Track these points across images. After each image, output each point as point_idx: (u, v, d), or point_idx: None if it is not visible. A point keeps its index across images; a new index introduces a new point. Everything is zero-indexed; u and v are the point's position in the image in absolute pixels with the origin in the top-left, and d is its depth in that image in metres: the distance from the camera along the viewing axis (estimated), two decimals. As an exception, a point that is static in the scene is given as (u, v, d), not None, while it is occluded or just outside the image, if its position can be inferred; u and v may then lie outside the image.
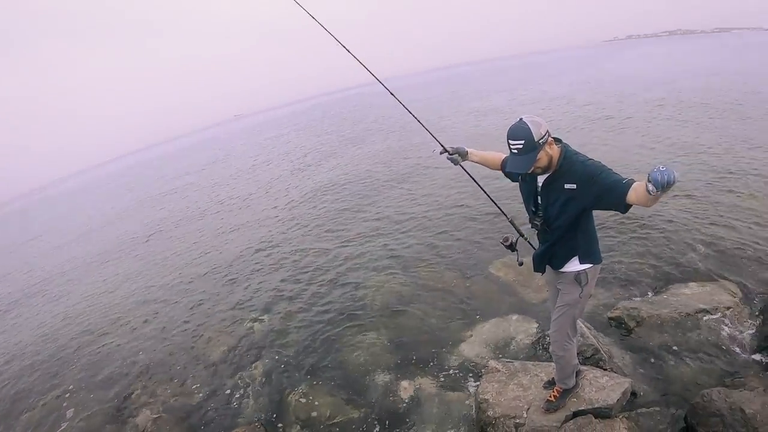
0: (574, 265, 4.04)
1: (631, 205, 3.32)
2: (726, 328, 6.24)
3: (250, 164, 34.89)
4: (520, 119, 3.49)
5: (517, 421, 4.84)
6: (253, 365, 7.95)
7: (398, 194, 16.38)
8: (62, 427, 7.77)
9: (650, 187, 2.85)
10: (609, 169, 3.50)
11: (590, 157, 3.64)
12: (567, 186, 3.60)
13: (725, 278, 7.36)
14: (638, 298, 7.34)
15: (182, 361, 8.72)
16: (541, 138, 3.45)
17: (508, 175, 4.33)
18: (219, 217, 19.88)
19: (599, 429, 4.38)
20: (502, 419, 4.96)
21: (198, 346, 9.10)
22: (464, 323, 7.79)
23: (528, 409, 4.95)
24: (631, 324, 6.62)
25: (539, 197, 3.90)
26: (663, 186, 2.79)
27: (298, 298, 9.92)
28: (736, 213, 9.41)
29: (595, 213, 3.89)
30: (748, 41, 72.24)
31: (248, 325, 9.34)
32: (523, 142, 3.43)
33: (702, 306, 6.61)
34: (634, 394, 5.28)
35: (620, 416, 4.78)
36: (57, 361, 10.30)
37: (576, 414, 4.73)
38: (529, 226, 4.17)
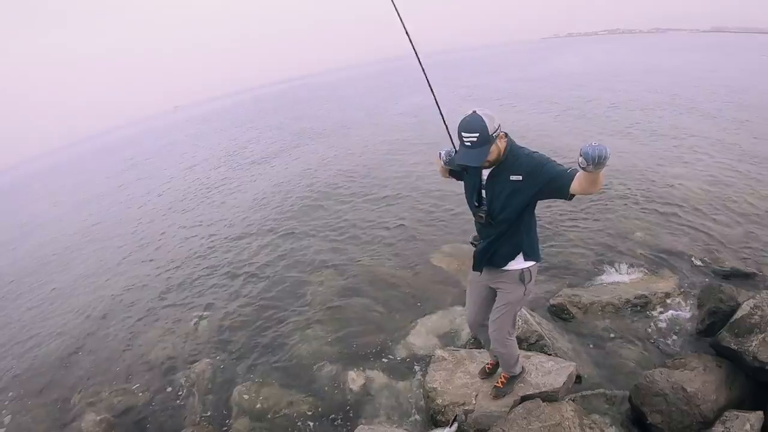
0: (518, 263, 3.99)
1: (575, 194, 3.36)
2: (665, 313, 6.46)
3: (183, 160, 34.15)
4: (474, 112, 3.41)
5: (467, 407, 4.85)
6: (198, 363, 7.74)
7: (337, 190, 16.24)
8: None
9: (581, 160, 2.86)
10: (553, 160, 3.53)
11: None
12: (513, 178, 3.57)
13: (663, 264, 7.62)
14: (579, 286, 7.49)
15: (125, 361, 8.43)
16: (495, 131, 3.41)
17: (452, 172, 4.18)
18: (156, 217, 19.35)
19: (547, 412, 4.42)
20: (451, 406, 4.96)
21: (140, 345, 8.81)
22: (409, 314, 7.79)
23: (476, 395, 4.96)
24: (573, 310, 6.75)
25: (483, 191, 3.83)
26: (594, 159, 2.79)
27: (240, 294, 9.73)
28: (671, 201, 9.77)
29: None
30: (684, 42, 74.74)
31: (191, 322, 9.11)
32: (477, 135, 3.36)
33: (641, 292, 6.81)
34: (579, 377, 5.37)
35: (567, 399, 4.84)
36: None
37: (524, 398, 4.76)
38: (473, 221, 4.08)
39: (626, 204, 10.00)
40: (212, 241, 13.69)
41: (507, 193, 3.64)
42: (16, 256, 19.79)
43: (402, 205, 12.90)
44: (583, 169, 2.91)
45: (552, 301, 7.08)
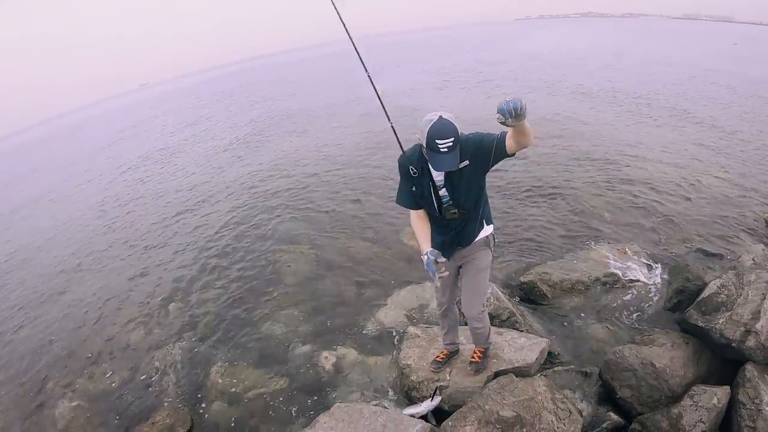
0: (483, 232, 4.13)
1: (515, 151, 3.46)
2: (633, 290, 6.60)
3: (151, 138, 33.64)
4: (440, 117, 3.41)
5: (441, 383, 4.91)
6: (171, 346, 7.65)
7: (304, 167, 16.19)
8: None
9: (498, 116, 2.94)
10: (485, 132, 3.63)
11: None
12: (461, 165, 3.61)
13: (631, 243, 7.75)
14: (549, 263, 7.56)
15: (96, 347, 8.28)
16: (460, 131, 3.47)
17: (402, 199, 4.10)
18: (120, 199, 19.02)
19: (520, 387, 4.49)
20: (425, 383, 5.02)
21: (111, 330, 8.65)
22: (379, 291, 7.83)
23: (450, 371, 5.03)
24: (544, 288, 6.84)
25: (443, 189, 3.84)
26: (510, 113, 2.89)
27: (210, 277, 9.63)
28: (639, 181, 9.93)
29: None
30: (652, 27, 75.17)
31: (162, 305, 8.97)
32: (452, 139, 3.37)
33: (610, 270, 6.95)
34: (551, 353, 5.48)
35: (539, 374, 4.93)
36: None
37: (497, 374, 4.84)
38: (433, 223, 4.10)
39: (595, 183, 10.14)
40: (179, 223, 13.52)
41: (465, 181, 3.74)
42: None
43: (371, 182, 12.90)
44: (504, 124, 3.00)
45: (523, 279, 7.15)
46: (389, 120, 4.00)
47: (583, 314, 6.32)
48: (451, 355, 5.15)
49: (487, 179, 3.81)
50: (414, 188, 3.89)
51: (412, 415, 4.73)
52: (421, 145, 3.58)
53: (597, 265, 7.15)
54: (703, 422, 4.01)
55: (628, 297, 6.48)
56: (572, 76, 24.97)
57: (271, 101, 37.59)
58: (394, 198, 4.10)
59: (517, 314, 5.97)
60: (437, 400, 4.77)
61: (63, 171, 28.95)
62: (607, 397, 4.95)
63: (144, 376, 7.11)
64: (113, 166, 25.61)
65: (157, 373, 7.08)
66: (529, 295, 6.92)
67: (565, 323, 6.23)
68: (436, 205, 3.88)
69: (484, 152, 3.56)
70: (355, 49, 4.08)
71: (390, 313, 7.12)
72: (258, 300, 8.25)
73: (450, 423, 4.31)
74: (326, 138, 20.10)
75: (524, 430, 4.07)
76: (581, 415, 4.36)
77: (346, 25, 4.24)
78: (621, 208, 8.92)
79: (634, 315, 6.15)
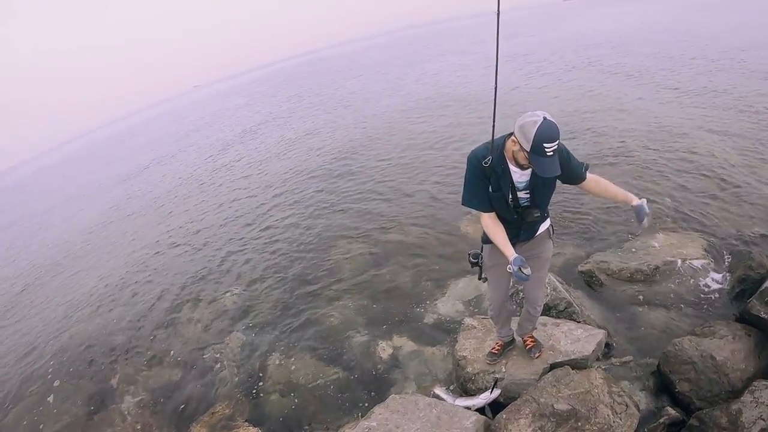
0: (545, 223, 4.12)
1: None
2: (694, 279, 6.41)
3: (208, 137, 34.47)
4: (544, 118, 3.18)
5: (497, 375, 4.93)
6: (229, 338, 7.92)
7: (361, 160, 16.31)
8: (47, 421, 7.60)
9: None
10: (570, 150, 3.66)
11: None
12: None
13: (693, 229, 7.54)
14: (608, 251, 7.44)
15: (158, 340, 8.64)
16: None
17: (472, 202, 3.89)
18: (182, 196, 19.51)
19: (576, 379, 4.47)
20: (481, 374, 5.04)
21: (172, 324, 9.02)
22: (437, 282, 7.86)
23: (506, 363, 5.04)
24: (602, 277, 6.76)
25: (524, 194, 3.73)
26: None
27: (268, 269, 9.87)
28: (700, 166, 9.58)
29: None
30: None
31: (221, 298, 9.28)
32: (558, 142, 3.21)
33: (670, 258, 6.76)
34: (608, 345, 5.43)
35: (596, 366, 4.88)
36: (33, 353, 10.14)
37: (553, 366, 4.83)
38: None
39: (655, 168, 9.85)
40: (238, 216, 13.91)
41: (549, 189, 3.75)
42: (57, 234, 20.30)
43: (428, 171, 12.91)
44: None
45: (580, 268, 7.08)
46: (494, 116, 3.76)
47: (642, 304, 6.20)
48: (506, 345, 5.16)
49: None
50: (491, 190, 3.70)
51: (467, 407, 4.76)
52: (516, 146, 3.39)
53: (656, 254, 6.99)
54: (763, 419, 3.86)
55: (688, 286, 6.31)
56: (631, 57, 24.24)
57: (322, 94, 37.95)
58: (456, 185, 4.01)
59: (574, 304, 5.91)
60: (496, 393, 4.77)
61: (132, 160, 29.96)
62: (665, 390, 4.84)
63: (203, 368, 7.37)
64: (178, 162, 26.35)
65: (216, 365, 7.33)
66: (587, 285, 6.84)
67: (624, 313, 6.13)
68: (513, 207, 3.75)
69: (566, 168, 3.53)
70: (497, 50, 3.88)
71: (447, 304, 7.15)
72: (315, 290, 8.42)
73: (504, 416, 4.32)
74: (383, 126, 20.13)
75: (579, 423, 4.05)
76: (638, 409, 4.31)
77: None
78: (681, 193, 8.65)
79: (695, 305, 5.99)
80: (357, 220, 10.94)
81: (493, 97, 3.60)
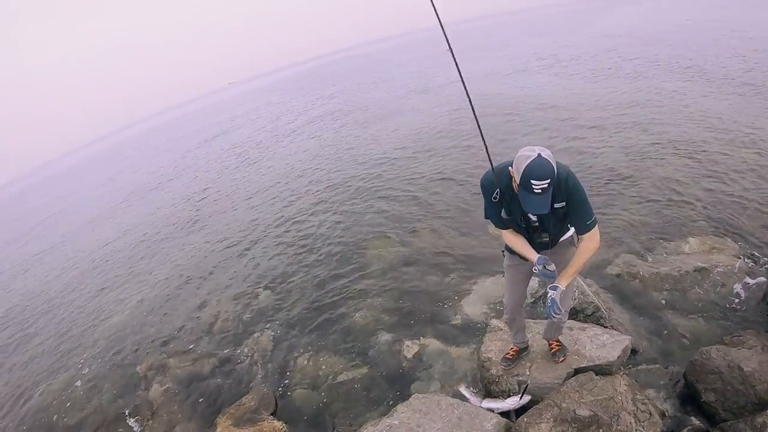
0: (569, 231, 4.08)
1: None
2: (725, 286, 6.30)
3: (239, 134, 34.90)
4: (539, 155, 3.19)
5: (520, 378, 4.92)
6: (258, 332, 8.04)
7: (392, 157, 16.35)
8: (74, 404, 7.86)
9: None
10: (586, 199, 3.57)
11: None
12: (557, 206, 3.54)
13: (724, 234, 7.41)
14: (637, 255, 7.38)
15: (187, 332, 8.83)
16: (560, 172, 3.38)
17: (491, 218, 3.98)
18: (215, 190, 19.79)
19: (600, 386, 4.44)
20: (505, 377, 5.03)
21: (203, 316, 9.21)
22: (464, 282, 7.86)
23: (530, 366, 5.03)
24: (631, 281, 6.71)
25: (534, 218, 3.75)
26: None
27: (298, 266, 9.99)
28: (734, 170, 9.38)
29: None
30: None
31: (251, 293, 9.43)
32: (548, 180, 3.19)
33: (701, 264, 6.66)
34: (634, 351, 5.38)
35: (621, 373, 4.84)
36: (65, 338, 10.46)
37: (577, 371, 4.80)
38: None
39: (687, 171, 9.70)
40: (269, 213, 14.04)
41: (558, 217, 3.70)
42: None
43: (460, 171, 12.89)
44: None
45: (609, 271, 7.03)
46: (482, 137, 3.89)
47: (670, 310, 6.13)
48: (521, 351, 5.16)
49: (572, 167, 3.74)
50: (503, 213, 3.76)
51: (491, 409, 4.77)
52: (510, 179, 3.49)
53: (687, 258, 6.91)
54: (789, 434, 3.83)
55: (719, 293, 6.20)
56: (660, 53, 23.78)
57: (355, 93, 38.06)
58: (479, 189, 4.01)
59: (602, 309, 5.87)
60: (526, 398, 4.74)
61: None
62: (691, 399, 4.77)
63: (231, 361, 7.50)
64: (208, 159, 26.68)
65: (244, 358, 7.44)
66: (616, 289, 6.77)
67: (652, 319, 6.06)
68: (525, 228, 3.83)
69: (575, 210, 3.57)
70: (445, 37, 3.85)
71: (474, 305, 7.16)
72: (343, 289, 8.48)
73: (525, 419, 4.32)
74: (416, 126, 20.09)
75: (600, 430, 4.03)
76: (662, 418, 4.28)
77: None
78: (713, 198, 8.49)
79: (724, 313, 5.89)
80: (387, 219, 11.00)
81: (479, 131, 3.92)
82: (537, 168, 3.16)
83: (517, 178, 3.30)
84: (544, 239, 3.84)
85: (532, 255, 3.81)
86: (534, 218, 3.74)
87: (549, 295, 3.72)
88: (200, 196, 19.53)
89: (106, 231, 19.62)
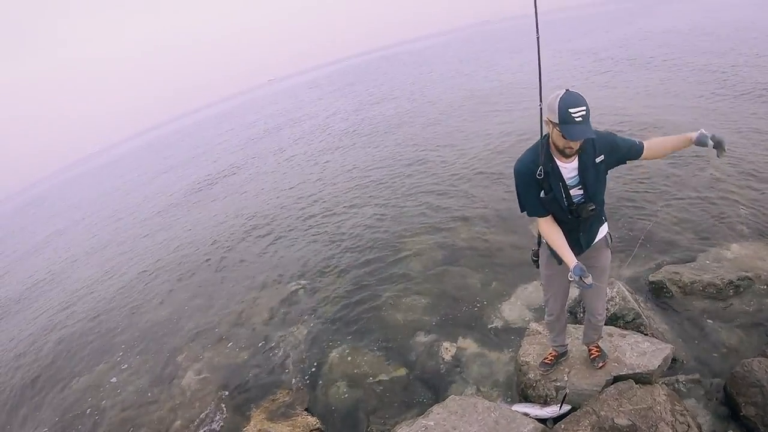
0: (602, 230, 4.11)
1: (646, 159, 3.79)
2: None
3: (283, 134, 35.27)
4: (567, 90, 3.34)
5: (558, 384, 4.94)
6: (295, 327, 8.18)
7: (435, 155, 16.36)
8: (111, 390, 8.16)
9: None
10: (616, 134, 3.75)
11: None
12: (598, 160, 3.62)
13: (768, 241, 7.25)
14: (680, 262, 7.26)
15: (226, 324, 9.03)
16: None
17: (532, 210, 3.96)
18: (257, 184, 20.12)
19: (639, 395, 4.44)
20: (542, 382, 5.06)
21: (241, 309, 9.40)
22: (504, 285, 7.86)
23: (569, 372, 5.04)
24: (673, 289, 6.62)
25: (575, 188, 3.75)
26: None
27: (338, 263, 10.10)
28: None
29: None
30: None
31: (290, 288, 9.58)
32: (585, 108, 3.28)
33: (744, 273, 6.54)
34: (674, 360, 5.32)
35: (660, 382, 4.83)
36: (106, 326, 10.83)
37: (617, 379, 4.79)
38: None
39: (729, 177, 9.50)
40: (311, 210, 14.20)
41: (599, 176, 3.71)
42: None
43: (504, 170, 12.85)
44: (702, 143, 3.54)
45: (651, 278, 6.94)
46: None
47: (713, 319, 6.04)
48: (560, 356, 5.17)
49: (616, 170, 3.78)
50: (543, 193, 3.73)
51: (526, 414, 4.81)
52: (550, 128, 3.53)
53: (731, 267, 6.78)
54: (827, 451, 3.80)
55: (764, 303, 6.08)
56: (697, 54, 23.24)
57: (394, 90, 38.07)
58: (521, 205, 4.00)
59: (642, 316, 5.84)
60: (566, 408, 4.76)
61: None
62: (730, 413, 4.72)
63: (268, 355, 7.65)
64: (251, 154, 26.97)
65: (280, 353, 7.59)
66: (657, 296, 6.71)
67: (694, 328, 5.99)
68: (567, 205, 3.76)
69: (618, 153, 3.67)
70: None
71: (514, 308, 7.17)
72: (382, 287, 8.56)
73: (563, 426, 4.36)
74: (459, 124, 20.05)
75: (638, 440, 4.05)
76: (700, 431, 4.27)
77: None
78: (758, 203, 8.32)
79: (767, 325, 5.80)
80: (428, 218, 11.03)
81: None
82: (571, 98, 3.30)
83: (555, 118, 3.37)
84: (591, 211, 3.75)
85: (570, 257, 3.78)
86: (577, 192, 3.74)
87: None
88: (239, 189, 19.84)
89: (150, 220, 20.14)
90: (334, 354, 7.19)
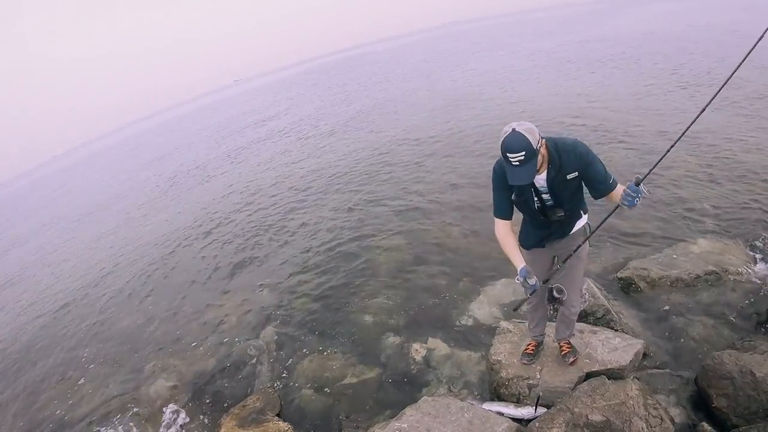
0: (580, 221, 4.16)
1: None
2: (736, 290, 6.26)
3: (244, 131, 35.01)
4: (513, 130, 3.39)
5: (530, 382, 4.92)
6: (264, 332, 8.05)
7: (400, 155, 16.35)
8: (79, 402, 7.91)
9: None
10: (596, 157, 3.69)
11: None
12: (570, 177, 3.66)
13: (735, 239, 7.33)
14: (647, 258, 7.30)
15: (193, 331, 8.85)
16: (537, 143, 3.43)
17: (501, 212, 4.05)
18: (219, 185, 19.90)
19: (612, 390, 4.43)
20: (515, 380, 5.03)
21: (208, 315, 9.22)
22: (473, 283, 7.83)
23: (541, 370, 5.02)
24: (641, 285, 6.66)
25: (547, 195, 3.85)
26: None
27: (304, 264, 9.99)
28: (743, 171, 9.34)
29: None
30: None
31: (257, 292, 9.45)
32: (524, 153, 3.35)
33: (711, 267, 6.62)
34: (645, 354, 5.35)
35: (632, 377, 4.82)
36: (67, 336, 10.54)
37: (589, 375, 4.79)
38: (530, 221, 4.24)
39: (696, 172, 9.66)
40: (273, 209, 14.14)
41: (571, 189, 3.77)
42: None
43: (469, 170, 12.87)
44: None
45: (619, 275, 6.98)
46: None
47: (682, 314, 6.08)
48: (539, 345, 5.19)
49: None
50: (514, 196, 3.87)
51: (500, 413, 4.77)
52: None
53: (698, 261, 6.84)
54: (801, 441, 3.81)
55: (731, 297, 6.15)
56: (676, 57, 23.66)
57: (361, 91, 38.16)
58: (489, 189, 4.06)
59: (612, 312, 5.86)
60: (541, 411, 4.70)
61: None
62: (702, 405, 4.73)
63: (237, 361, 7.51)
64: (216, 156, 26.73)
65: (249, 358, 7.46)
66: (626, 292, 6.75)
67: (663, 322, 6.02)
68: (538, 208, 3.91)
69: (590, 173, 3.65)
70: None
71: (483, 307, 7.13)
72: (350, 289, 8.48)
73: (537, 424, 4.32)
74: (420, 124, 20.13)
75: (613, 436, 4.03)
76: (673, 424, 4.24)
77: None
78: (724, 199, 8.43)
79: (736, 318, 5.83)
80: (394, 218, 10.98)
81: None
82: (511, 141, 3.37)
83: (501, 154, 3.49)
84: (560, 216, 3.88)
85: (518, 261, 3.94)
86: (547, 196, 3.83)
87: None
88: (202, 190, 19.61)
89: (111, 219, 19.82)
90: (304, 358, 7.08)
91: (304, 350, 7.26)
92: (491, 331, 6.32)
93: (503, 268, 7.87)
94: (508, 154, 3.39)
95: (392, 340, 6.93)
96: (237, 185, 18.70)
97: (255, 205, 15.41)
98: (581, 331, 5.31)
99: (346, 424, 5.67)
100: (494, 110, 19.35)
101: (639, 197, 3.42)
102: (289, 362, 7.11)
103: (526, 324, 5.29)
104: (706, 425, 4.36)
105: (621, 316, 5.93)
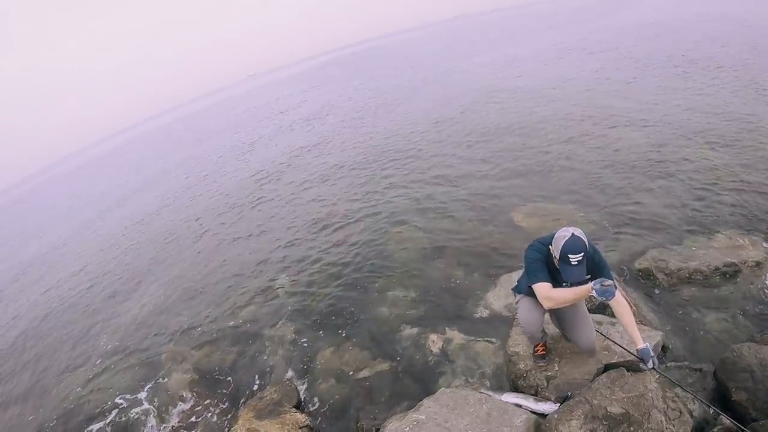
0: None
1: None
2: (756, 283, 6.21)
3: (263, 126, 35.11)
4: (572, 234, 4.04)
5: (549, 373, 4.93)
6: (281, 324, 8.09)
7: (416, 148, 16.35)
8: (96, 393, 8.03)
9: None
10: (607, 267, 4.36)
11: None
12: (586, 277, 4.21)
13: (756, 231, 7.25)
14: (666, 249, 7.25)
15: (211, 324, 8.91)
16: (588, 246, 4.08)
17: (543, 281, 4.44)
18: (240, 182, 19.89)
19: (631, 382, 4.41)
20: (533, 372, 5.05)
21: (226, 307, 9.29)
22: (489, 275, 7.82)
23: (559, 362, 5.02)
24: (660, 276, 6.62)
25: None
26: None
27: (322, 257, 10.02)
28: (765, 163, 9.22)
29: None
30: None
31: (275, 285, 9.49)
32: (582, 254, 4.01)
33: (731, 259, 6.55)
34: (664, 347, 5.33)
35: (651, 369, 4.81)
36: (86, 327, 10.69)
37: (607, 367, 4.80)
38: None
39: (716, 164, 9.55)
40: (292, 204, 14.19)
41: (585, 279, 4.24)
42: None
43: (483, 162, 12.84)
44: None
45: (638, 266, 6.94)
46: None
47: (700, 306, 6.05)
48: (546, 344, 5.24)
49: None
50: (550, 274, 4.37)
51: (518, 405, 4.77)
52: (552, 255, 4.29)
53: (717, 253, 6.79)
54: (820, 434, 3.78)
55: (751, 289, 6.10)
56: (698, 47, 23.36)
57: (374, 82, 38.03)
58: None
59: (631, 304, 5.82)
60: (557, 406, 4.70)
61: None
62: (721, 398, 4.70)
63: (255, 353, 7.56)
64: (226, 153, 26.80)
65: (267, 350, 7.50)
66: (644, 283, 6.71)
67: (681, 315, 5.99)
68: (564, 285, 4.35)
69: (599, 273, 4.22)
70: None
71: (500, 298, 7.11)
72: (367, 281, 8.49)
73: (556, 416, 4.33)
74: (439, 117, 20.01)
75: (632, 428, 4.00)
76: (692, 417, 4.23)
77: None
78: (745, 190, 8.35)
79: (755, 311, 5.78)
80: (409, 211, 10.97)
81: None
82: (572, 244, 4.03)
83: (557, 254, 4.14)
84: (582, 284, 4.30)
85: (584, 287, 4.20)
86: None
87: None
88: (221, 188, 19.69)
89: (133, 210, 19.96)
90: (321, 350, 7.12)
91: (322, 342, 7.29)
92: (507, 321, 6.34)
93: (519, 257, 7.84)
94: (569, 256, 4.02)
95: (409, 331, 6.94)
96: (254, 184, 18.63)
97: (272, 198, 15.55)
98: (600, 323, 5.31)
99: (363, 416, 5.67)
100: (521, 102, 19.25)
101: (606, 296, 3.93)
102: (307, 354, 7.14)
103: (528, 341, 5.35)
104: (725, 419, 4.32)
105: (639, 307, 5.89)
